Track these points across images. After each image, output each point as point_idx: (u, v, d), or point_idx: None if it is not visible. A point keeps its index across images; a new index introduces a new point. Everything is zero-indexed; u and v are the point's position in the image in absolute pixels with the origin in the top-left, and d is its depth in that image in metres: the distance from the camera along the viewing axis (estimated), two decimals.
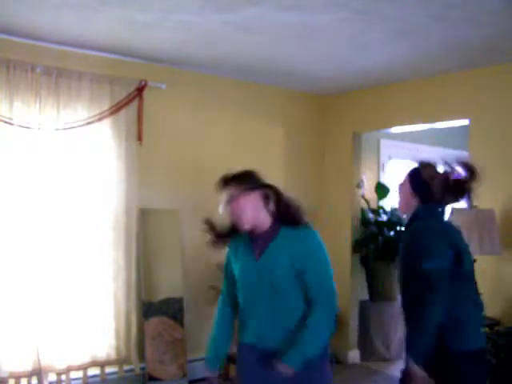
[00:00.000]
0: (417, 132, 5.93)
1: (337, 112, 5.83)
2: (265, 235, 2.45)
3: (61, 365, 4.18)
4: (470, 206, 3.79)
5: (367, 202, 5.87)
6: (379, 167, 6.36)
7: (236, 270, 2.55)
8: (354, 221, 5.64)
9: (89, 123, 4.32)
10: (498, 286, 4.40)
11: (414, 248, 2.58)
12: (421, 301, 2.46)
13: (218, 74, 5.12)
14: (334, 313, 2.41)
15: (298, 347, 2.34)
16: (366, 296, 5.83)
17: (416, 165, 2.73)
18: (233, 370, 4.87)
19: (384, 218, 5.84)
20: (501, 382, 3.71)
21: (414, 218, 2.69)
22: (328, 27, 3.79)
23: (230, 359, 4.91)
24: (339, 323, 2.81)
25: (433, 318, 2.43)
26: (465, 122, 4.80)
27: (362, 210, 5.81)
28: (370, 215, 5.84)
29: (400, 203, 2.81)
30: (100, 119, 4.36)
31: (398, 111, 5.27)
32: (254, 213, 2.42)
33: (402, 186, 2.78)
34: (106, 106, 4.40)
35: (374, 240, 5.60)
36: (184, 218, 4.89)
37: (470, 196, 2.67)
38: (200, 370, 4.89)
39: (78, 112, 4.28)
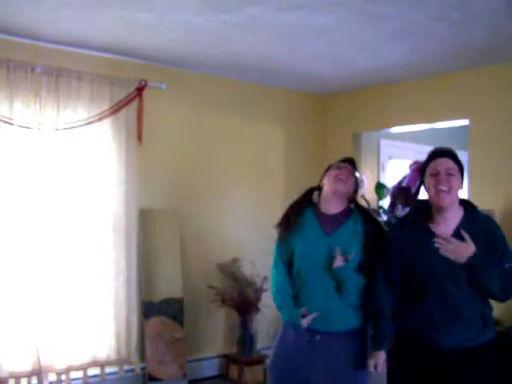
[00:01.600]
0: (417, 132, 5.92)
1: (337, 112, 5.83)
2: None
3: (61, 365, 4.17)
4: None
5: (367, 202, 5.86)
6: (379, 167, 6.36)
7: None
8: None
9: (89, 123, 4.31)
10: None
11: (501, 240, 2.48)
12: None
13: (218, 74, 5.12)
14: None
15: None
16: None
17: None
18: (234, 370, 4.88)
19: (384, 217, 5.83)
20: (501, 382, 3.70)
21: (471, 206, 2.55)
22: (328, 27, 3.79)
23: (230, 359, 4.92)
24: None
25: None
26: (465, 122, 4.80)
27: None
28: None
29: (454, 196, 2.49)
30: (100, 119, 4.36)
31: (398, 111, 5.27)
32: None
33: (454, 175, 2.49)
34: (106, 106, 4.40)
35: None
36: (184, 218, 4.89)
37: None
38: (200, 370, 4.93)
39: (77, 112, 4.28)
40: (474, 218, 2.51)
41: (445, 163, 2.47)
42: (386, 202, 5.90)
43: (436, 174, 2.46)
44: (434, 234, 2.47)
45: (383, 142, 6.35)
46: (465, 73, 4.76)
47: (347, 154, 5.59)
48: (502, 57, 4.36)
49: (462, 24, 3.66)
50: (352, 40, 4.06)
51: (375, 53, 4.36)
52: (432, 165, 2.50)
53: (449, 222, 2.50)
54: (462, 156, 5.48)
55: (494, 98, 4.59)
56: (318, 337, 2.64)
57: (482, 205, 4.33)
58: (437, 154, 2.52)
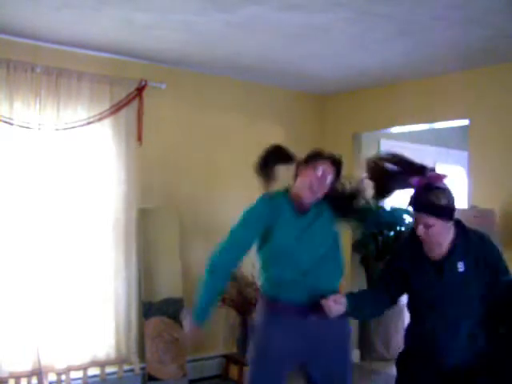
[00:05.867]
0: (417, 132, 5.92)
1: (336, 112, 5.82)
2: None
3: (61, 365, 4.18)
4: None
5: (367, 202, 5.85)
6: None
7: None
8: None
9: (89, 123, 4.32)
10: None
11: (493, 255, 2.55)
12: None
13: (218, 74, 5.12)
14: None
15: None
16: None
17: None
18: (233, 370, 4.88)
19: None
20: (499, 381, 3.70)
21: (462, 226, 2.57)
22: (328, 27, 3.79)
23: (230, 359, 4.92)
24: None
25: None
26: (465, 121, 4.80)
27: None
28: None
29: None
30: (100, 119, 4.37)
31: (398, 111, 5.27)
32: None
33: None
34: (106, 106, 4.40)
35: (374, 240, 5.59)
36: (184, 217, 4.89)
37: None
38: (200, 370, 4.92)
39: (77, 112, 4.28)
40: (465, 237, 2.47)
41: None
42: (386, 202, 5.90)
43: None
44: (430, 260, 2.46)
45: (383, 142, 6.34)
46: (465, 73, 4.75)
47: (347, 154, 5.66)
48: (502, 57, 4.35)
49: (462, 24, 3.66)
50: (352, 40, 4.06)
51: (375, 53, 4.36)
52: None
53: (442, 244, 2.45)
54: (462, 156, 5.49)
55: (494, 98, 4.58)
56: None
57: (482, 204, 4.36)
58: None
